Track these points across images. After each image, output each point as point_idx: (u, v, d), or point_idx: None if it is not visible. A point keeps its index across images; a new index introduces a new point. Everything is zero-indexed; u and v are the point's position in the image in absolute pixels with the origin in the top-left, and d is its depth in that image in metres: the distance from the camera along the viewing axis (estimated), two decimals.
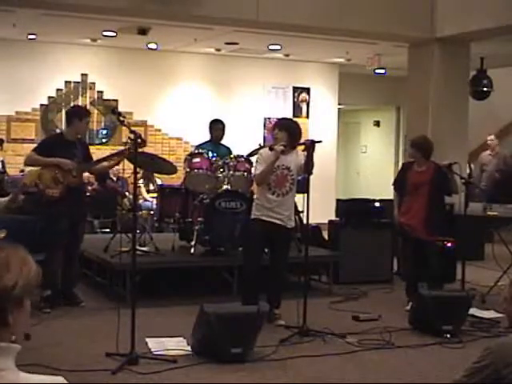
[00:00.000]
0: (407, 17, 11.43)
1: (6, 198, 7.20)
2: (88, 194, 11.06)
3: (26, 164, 8.56)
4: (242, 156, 9.25)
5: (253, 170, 8.53)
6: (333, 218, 10.66)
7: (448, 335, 7.20)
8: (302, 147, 7.59)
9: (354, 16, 11.05)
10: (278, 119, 8.59)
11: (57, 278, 8.12)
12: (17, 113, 14.90)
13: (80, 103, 15.04)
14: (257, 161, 7.75)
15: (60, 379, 2.02)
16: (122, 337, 6.22)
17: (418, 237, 8.36)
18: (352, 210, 10.50)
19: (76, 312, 8.07)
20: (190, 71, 16.26)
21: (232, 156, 9.34)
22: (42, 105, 15.13)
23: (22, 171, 11.47)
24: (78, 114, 8.36)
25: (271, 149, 7.54)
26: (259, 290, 7.64)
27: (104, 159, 8.43)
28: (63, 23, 12.50)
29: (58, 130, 14.03)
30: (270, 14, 10.59)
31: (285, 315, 7.66)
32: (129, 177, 11.71)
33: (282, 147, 7.43)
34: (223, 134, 10.07)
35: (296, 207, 8.20)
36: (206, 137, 10.13)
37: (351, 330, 7.44)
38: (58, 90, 15.24)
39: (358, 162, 20.37)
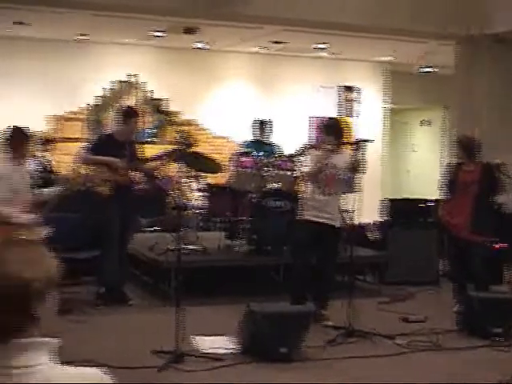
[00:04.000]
0: (456, 14, 11.28)
1: (57, 188, 7.30)
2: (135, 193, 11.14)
3: (79, 162, 8.66)
4: (287, 155, 9.22)
5: (298, 169, 8.50)
6: (379, 217, 10.58)
7: (497, 338, 7.10)
8: (351, 146, 7.55)
9: (401, 14, 10.96)
10: (325, 118, 8.55)
11: (111, 275, 8.19)
12: (66, 112, 15.06)
13: (128, 103, 15.14)
14: (305, 160, 7.73)
15: (97, 371, 2.02)
16: (168, 334, 6.25)
17: (464, 237, 8.24)
18: (399, 210, 10.41)
19: (124, 310, 8.14)
20: (237, 70, 16.26)
21: (277, 155, 9.32)
22: (90, 104, 15.27)
23: (72, 170, 11.56)
24: (127, 115, 8.41)
25: (319, 148, 7.51)
26: (307, 289, 7.61)
27: (153, 159, 8.47)
28: (112, 24, 12.59)
29: (105, 130, 14.13)
30: (318, 13, 10.55)
31: (332, 315, 7.62)
32: (175, 176, 11.79)
33: (329, 146, 7.40)
34: (269, 133, 10.07)
35: (343, 207, 8.16)
36: (252, 136, 10.13)
37: (398, 331, 7.37)
38: (106, 89, 15.36)
39: (407, 160, 20.19)
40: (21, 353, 1.96)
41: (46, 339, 2.01)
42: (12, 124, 7.24)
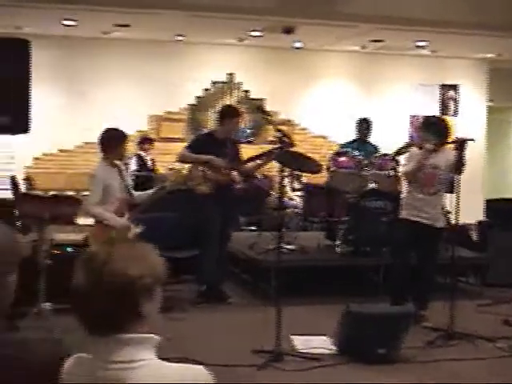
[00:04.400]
0: None
1: (152, 190, 7.38)
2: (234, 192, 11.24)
3: (179, 161, 8.74)
4: (388, 154, 9.13)
5: (399, 168, 8.42)
6: (480, 218, 10.38)
7: None
8: (452, 146, 7.43)
9: (504, 10, 10.73)
10: (426, 117, 8.42)
11: (210, 274, 8.28)
12: (166, 112, 15.31)
13: (227, 102, 15.29)
14: (406, 159, 7.65)
15: (200, 368, 2.05)
16: (267, 334, 6.29)
17: None
18: (499, 210, 10.18)
19: (223, 308, 8.21)
20: (335, 69, 16.21)
21: (378, 154, 9.25)
22: (189, 104, 15.47)
23: (171, 169, 11.71)
24: (229, 114, 8.46)
25: (420, 147, 7.42)
26: (407, 290, 7.54)
27: (253, 159, 8.51)
28: (210, 24, 12.73)
29: (205, 130, 14.28)
30: (418, 10, 10.44)
31: (432, 317, 7.52)
32: (275, 175, 11.82)
33: (431, 146, 7.30)
34: (369, 132, 10.01)
35: (444, 207, 8.04)
36: (351, 135, 10.09)
37: (500, 334, 7.21)
38: (205, 89, 15.55)
39: (510, 160, 19.72)
40: (122, 347, 2.01)
41: (149, 335, 2.05)
42: (115, 124, 7.35)
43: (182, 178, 7.88)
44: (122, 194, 6.98)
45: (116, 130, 7.06)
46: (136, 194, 7.17)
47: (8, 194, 9.56)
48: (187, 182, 8.22)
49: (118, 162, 7.06)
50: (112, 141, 6.94)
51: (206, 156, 8.21)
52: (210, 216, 8.18)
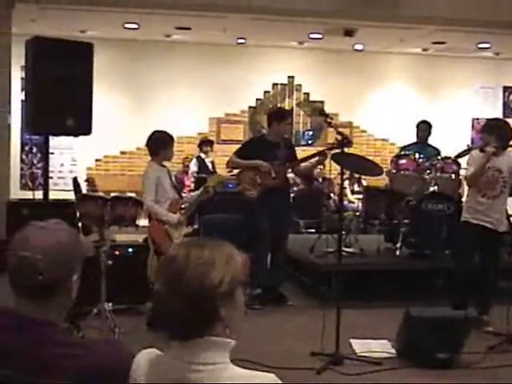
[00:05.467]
0: None
1: (198, 192, 7.48)
2: (293, 194, 11.24)
3: (228, 166, 8.98)
4: (450, 157, 9.01)
5: (461, 171, 8.31)
6: None
7: None
8: None
9: None
10: (488, 120, 8.30)
11: (264, 276, 8.27)
12: (226, 115, 15.38)
13: (286, 105, 15.32)
14: (468, 162, 7.54)
15: (272, 376, 2.04)
16: (326, 337, 6.26)
17: None
18: None
19: (283, 310, 8.21)
20: (396, 72, 16.12)
21: (439, 157, 9.15)
22: (250, 107, 15.53)
23: (232, 171, 11.78)
24: (276, 116, 8.50)
25: (482, 150, 7.31)
26: (468, 294, 7.44)
27: (306, 159, 8.51)
28: (271, 27, 12.77)
29: (264, 131, 14.33)
30: (480, 12, 10.30)
31: (494, 322, 7.41)
32: (335, 178, 11.79)
33: (493, 149, 7.20)
34: (429, 134, 9.91)
35: (506, 210, 7.91)
36: (412, 138, 10.00)
37: None
38: (265, 92, 15.59)
39: None
40: (205, 350, 2.00)
41: (228, 340, 2.05)
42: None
43: (221, 181, 7.88)
44: (173, 194, 7.11)
45: (162, 132, 7.22)
46: (184, 195, 7.29)
47: (70, 195, 9.71)
48: (237, 186, 8.34)
49: (164, 164, 7.20)
50: (158, 143, 7.09)
51: (253, 161, 8.27)
52: (259, 220, 8.23)
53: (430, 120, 10.13)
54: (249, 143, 9.12)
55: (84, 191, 10.42)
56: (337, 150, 6.88)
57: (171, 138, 7.20)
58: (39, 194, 8.55)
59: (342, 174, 6.58)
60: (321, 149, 8.67)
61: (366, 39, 13.89)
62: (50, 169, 7.44)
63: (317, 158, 8.34)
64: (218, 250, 2.07)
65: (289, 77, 15.72)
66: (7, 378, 2.10)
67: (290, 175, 9.32)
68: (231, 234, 8.33)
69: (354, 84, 15.72)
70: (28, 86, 6.21)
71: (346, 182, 13.24)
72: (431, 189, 8.97)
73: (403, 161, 9.15)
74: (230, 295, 2.02)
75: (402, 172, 9.08)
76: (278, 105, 15.28)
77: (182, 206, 7.22)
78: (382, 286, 9.05)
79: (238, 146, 8.95)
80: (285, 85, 15.75)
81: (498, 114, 15.84)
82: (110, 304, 6.51)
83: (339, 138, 6.61)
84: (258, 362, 5.72)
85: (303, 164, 8.61)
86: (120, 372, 2.13)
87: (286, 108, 14.69)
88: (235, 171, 8.91)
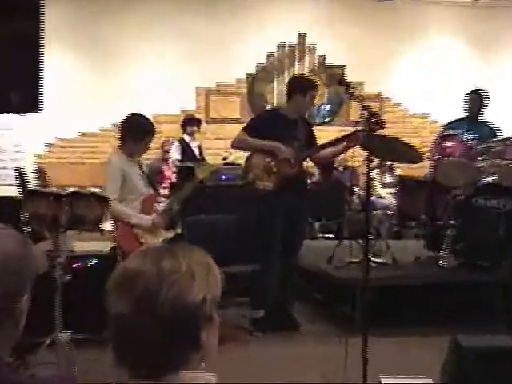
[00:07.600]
0: None
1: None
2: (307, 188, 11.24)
3: (234, 147, 8.72)
4: None
5: None
6: None
7: None
8: None
9: None
10: None
11: (271, 294, 8.28)
12: (217, 85, 15.34)
13: (296, 71, 15.31)
14: None
15: None
16: (349, 372, 6.28)
17: None
18: None
19: (291, 337, 8.24)
20: (439, 26, 16.12)
21: (498, 138, 9.15)
22: (248, 75, 15.51)
23: (225, 159, 11.76)
24: (302, 88, 8.37)
25: None
26: None
27: (331, 144, 8.40)
28: None
29: (268, 107, 14.32)
30: None
31: None
32: (359, 166, 11.81)
33: None
34: (483, 108, 9.91)
35: None
36: (461, 113, 10.01)
37: None
38: (268, 55, 15.57)
39: None
40: None
41: (204, 375, 2.06)
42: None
43: (211, 172, 7.85)
44: (146, 189, 7.11)
45: (143, 118, 7.19)
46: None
47: (14, 191, 9.71)
48: (246, 174, 8.20)
49: (137, 157, 7.26)
50: (132, 131, 7.06)
51: (271, 142, 8.13)
52: (272, 220, 8.13)
53: (484, 89, 10.15)
54: (260, 119, 8.93)
55: (32, 186, 10.43)
56: (363, 130, 6.87)
57: (152, 129, 7.18)
58: None
59: (368, 161, 6.58)
60: (350, 131, 8.52)
61: None
62: None
63: (346, 143, 8.20)
64: (193, 258, 2.08)
65: (299, 34, 15.71)
66: None
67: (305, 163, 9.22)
68: (225, 240, 8.38)
69: (383, 44, 15.73)
70: None
71: (375, 172, 13.27)
72: (486, 180, 8.98)
73: (449, 143, 9.17)
74: (210, 316, 2.04)
75: (447, 158, 9.09)
76: (285, 72, 15.28)
77: (160, 205, 7.23)
78: (422, 306, 9.07)
79: (233, 125, 8.94)
80: (294, 46, 15.74)
81: None
82: (68, 333, 6.53)
83: (366, 114, 6.60)
84: None
85: (327, 150, 8.47)
86: None
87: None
88: (230, 158, 8.90)
